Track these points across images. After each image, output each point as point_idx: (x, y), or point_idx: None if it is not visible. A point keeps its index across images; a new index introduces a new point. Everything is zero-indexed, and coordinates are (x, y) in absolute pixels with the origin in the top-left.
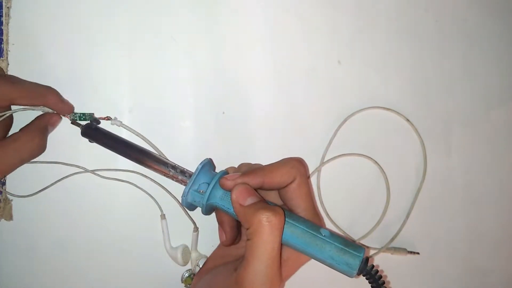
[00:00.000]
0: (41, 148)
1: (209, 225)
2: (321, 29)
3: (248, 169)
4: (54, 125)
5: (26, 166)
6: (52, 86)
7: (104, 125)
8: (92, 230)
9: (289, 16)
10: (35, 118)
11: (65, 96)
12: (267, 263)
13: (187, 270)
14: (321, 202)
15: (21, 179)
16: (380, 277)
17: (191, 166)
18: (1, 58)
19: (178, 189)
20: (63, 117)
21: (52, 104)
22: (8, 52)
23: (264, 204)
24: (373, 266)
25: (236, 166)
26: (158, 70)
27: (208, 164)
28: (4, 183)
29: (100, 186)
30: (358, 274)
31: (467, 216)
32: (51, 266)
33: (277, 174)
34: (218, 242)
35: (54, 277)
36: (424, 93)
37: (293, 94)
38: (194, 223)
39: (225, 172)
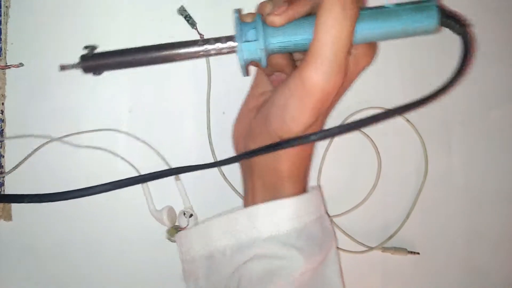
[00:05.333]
0: None
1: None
2: None
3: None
4: None
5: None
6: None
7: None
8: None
9: None
10: None
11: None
12: (336, 49)
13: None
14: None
15: None
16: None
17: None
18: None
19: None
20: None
21: None
22: (7, 52)
23: None
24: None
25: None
26: (158, 69)
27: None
28: (2, 184)
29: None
30: (442, 23)
31: (467, 216)
32: (51, 266)
33: None
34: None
35: (54, 277)
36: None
37: None
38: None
39: (260, 14)
